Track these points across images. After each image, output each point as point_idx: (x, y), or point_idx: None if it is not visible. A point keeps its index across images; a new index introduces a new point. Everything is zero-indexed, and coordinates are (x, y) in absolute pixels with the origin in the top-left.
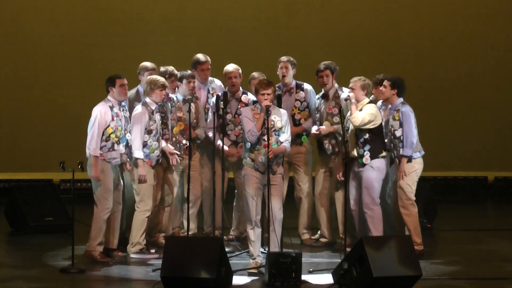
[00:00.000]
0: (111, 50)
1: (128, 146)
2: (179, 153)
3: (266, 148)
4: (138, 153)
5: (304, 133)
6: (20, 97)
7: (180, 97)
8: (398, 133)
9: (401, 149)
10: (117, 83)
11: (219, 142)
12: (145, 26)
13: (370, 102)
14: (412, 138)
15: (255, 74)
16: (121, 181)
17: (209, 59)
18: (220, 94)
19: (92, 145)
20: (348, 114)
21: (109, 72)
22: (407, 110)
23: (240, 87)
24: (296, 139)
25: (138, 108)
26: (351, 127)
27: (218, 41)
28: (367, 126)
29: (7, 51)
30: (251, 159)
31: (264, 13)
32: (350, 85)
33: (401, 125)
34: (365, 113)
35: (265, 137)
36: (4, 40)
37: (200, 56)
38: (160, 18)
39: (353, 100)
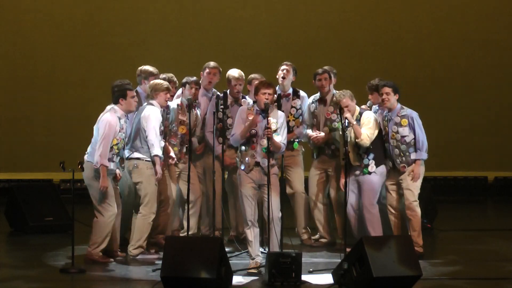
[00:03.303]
0: (111, 50)
1: (121, 159)
2: (174, 156)
3: (254, 150)
4: (157, 150)
5: (296, 140)
6: (20, 97)
7: (185, 101)
8: (408, 138)
9: (411, 154)
10: (129, 95)
11: (219, 150)
12: (145, 26)
13: (364, 109)
14: (426, 142)
15: (255, 75)
16: (117, 186)
17: (219, 68)
18: (220, 94)
19: (104, 156)
20: (349, 132)
21: (109, 72)
22: (416, 114)
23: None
24: (288, 145)
25: (150, 109)
26: (349, 138)
27: (218, 41)
28: (373, 138)
29: (7, 51)
30: (240, 160)
31: (264, 13)
32: (342, 104)
33: (411, 130)
34: (367, 129)
35: (254, 139)
36: (4, 40)
37: (212, 62)
38: (160, 18)
39: (353, 122)
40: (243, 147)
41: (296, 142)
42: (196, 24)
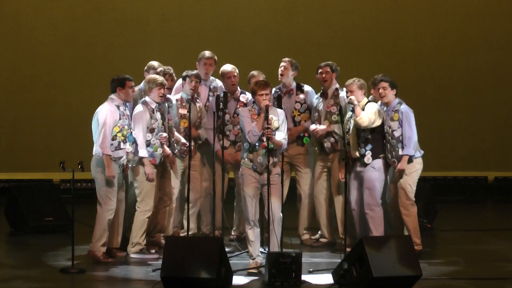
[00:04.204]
0: (111, 50)
1: (134, 144)
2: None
3: (265, 149)
4: (142, 151)
5: (306, 134)
6: (20, 97)
7: (185, 96)
8: (396, 133)
9: (400, 149)
10: (127, 84)
11: (218, 146)
12: (145, 26)
13: (369, 101)
14: (414, 138)
15: (254, 72)
16: (124, 181)
17: (215, 57)
18: (220, 94)
19: (104, 145)
20: (349, 115)
21: (109, 72)
22: (407, 109)
23: (238, 87)
24: (297, 139)
25: (139, 107)
26: (351, 127)
27: (218, 41)
28: (373, 125)
29: (7, 51)
30: (250, 160)
31: (264, 13)
32: (347, 88)
33: (400, 125)
34: (369, 113)
35: (264, 138)
36: (4, 40)
37: (207, 51)
38: (160, 18)
39: (355, 102)
40: (249, 147)
41: (306, 137)
42: (196, 24)
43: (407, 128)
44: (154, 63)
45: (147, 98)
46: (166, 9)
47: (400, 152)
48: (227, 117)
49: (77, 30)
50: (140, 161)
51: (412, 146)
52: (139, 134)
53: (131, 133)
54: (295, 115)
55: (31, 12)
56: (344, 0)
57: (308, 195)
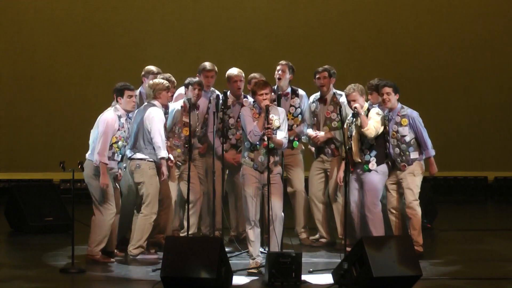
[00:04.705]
0: (111, 50)
1: (124, 157)
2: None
3: (266, 148)
4: (164, 152)
5: (295, 139)
6: (20, 97)
7: (187, 103)
8: (407, 138)
9: (411, 153)
10: (125, 94)
11: (218, 145)
12: (145, 26)
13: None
14: (429, 139)
15: (255, 74)
16: (117, 185)
17: (216, 69)
18: (220, 94)
19: (102, 153)
20: (349, 120)
21: (109, 72)
22: (416, 113)
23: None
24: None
25: (154, 110)
26: (353, 133)
27: (218, 41)
28: (378, 134)
29: (7, 51)
30: (251, 159)
31: (264, 13)
32: (349, 98)
33: (411, 130)
34: (374, 122)
35: (265, 137)
36: (4, 40)
37: (207, 63)
38: (160, 18)
39: (361, 111)
40: (250, 146)
41: (296, 141)
42: (196, 24)
43: (423, 132)
44: (152, 68)
45: (156, 102)
46: (166, 9)
47: (412, 156)
48: (231, 121)
49: (77, 30)
50: (144, 162)
51: (430, 147)
52: (161, 135)
53: (125, 146)
54: (288, 118)
55: (31, 12)
56: (344, 0)
57: (301, 193)
